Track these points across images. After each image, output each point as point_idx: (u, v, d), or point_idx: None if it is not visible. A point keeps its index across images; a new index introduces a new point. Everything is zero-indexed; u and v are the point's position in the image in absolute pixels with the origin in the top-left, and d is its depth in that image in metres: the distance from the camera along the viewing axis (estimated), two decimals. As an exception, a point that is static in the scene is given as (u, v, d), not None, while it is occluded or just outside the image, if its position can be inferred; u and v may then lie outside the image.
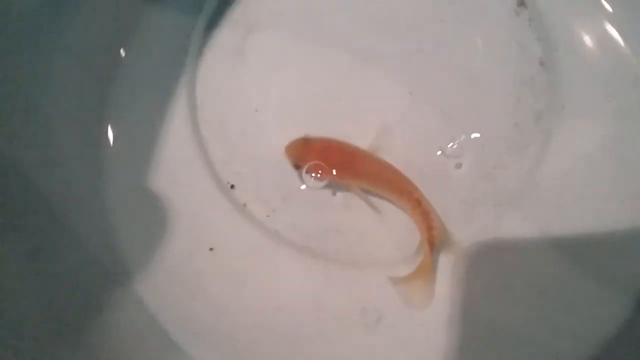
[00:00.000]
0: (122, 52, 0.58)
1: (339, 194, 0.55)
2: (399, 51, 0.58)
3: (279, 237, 0.54)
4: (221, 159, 0.56)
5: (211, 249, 0.53)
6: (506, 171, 0.55)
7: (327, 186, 0.55)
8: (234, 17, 0.60)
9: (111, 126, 0.56)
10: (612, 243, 0.52)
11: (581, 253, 0.51)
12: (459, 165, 0.55)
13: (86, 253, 0.51)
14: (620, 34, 0.56)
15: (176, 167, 0.56)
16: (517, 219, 0.53)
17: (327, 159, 0.53)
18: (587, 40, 0.56)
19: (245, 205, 0.55)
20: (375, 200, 0.54)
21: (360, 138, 0.55)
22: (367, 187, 0.54)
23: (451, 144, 0.55)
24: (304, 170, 0.53)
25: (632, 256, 0.51)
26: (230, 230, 0.54)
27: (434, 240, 0.51)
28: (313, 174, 0.53)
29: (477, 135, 0.56)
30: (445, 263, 0.52)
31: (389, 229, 0.54)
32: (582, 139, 0.54)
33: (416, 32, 0.58)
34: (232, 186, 0.56)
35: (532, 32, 0.58)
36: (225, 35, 0.60)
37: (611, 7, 0.57)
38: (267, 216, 0.55)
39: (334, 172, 0.53)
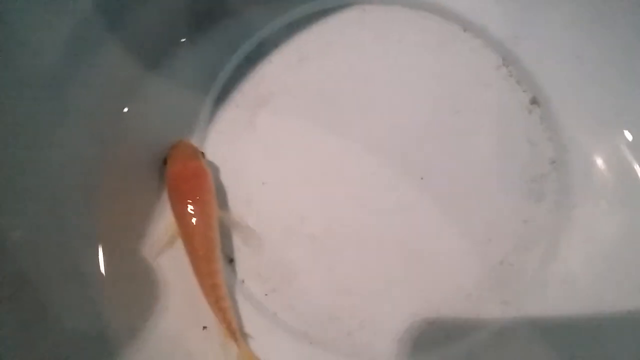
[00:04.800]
0: (127, 112, 0.57)
1: (344, 279, 0.53)
2: (413, 136, 0.57)
3: (276, 320, 0.52)
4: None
5: (205, 327, 0.51)
6: (512, 268, 0.54)
7: (329, 269, 0.53)
8: (248, 89, 0.59)
9: (111, 195, 0.54)
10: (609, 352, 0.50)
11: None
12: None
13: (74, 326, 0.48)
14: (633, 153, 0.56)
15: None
16: (519, 319, 0.52)
17: (181, 186, 0.49)
18: (600, 145, 0.57)
19: (243, 281, 0.53)
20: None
21: (369, 221, 0.54)
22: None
23: (458, 234, 0.55)
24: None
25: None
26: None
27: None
28: None
29: (484, 228, 0.55)
30: None
31: (392, 318, 0.52)
32: (593, 242, 0.54)
33: (431, 120, 0.58)
34: (231, 260, 0.54)
35: (544, 131, 0.58)
36: (236, 106, 0.59)
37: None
38: (266, 295, 0.53)
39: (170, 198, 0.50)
